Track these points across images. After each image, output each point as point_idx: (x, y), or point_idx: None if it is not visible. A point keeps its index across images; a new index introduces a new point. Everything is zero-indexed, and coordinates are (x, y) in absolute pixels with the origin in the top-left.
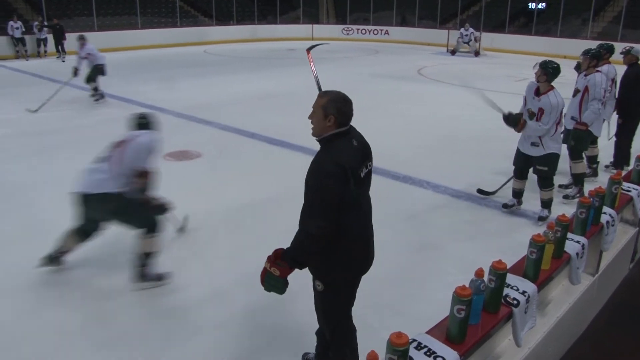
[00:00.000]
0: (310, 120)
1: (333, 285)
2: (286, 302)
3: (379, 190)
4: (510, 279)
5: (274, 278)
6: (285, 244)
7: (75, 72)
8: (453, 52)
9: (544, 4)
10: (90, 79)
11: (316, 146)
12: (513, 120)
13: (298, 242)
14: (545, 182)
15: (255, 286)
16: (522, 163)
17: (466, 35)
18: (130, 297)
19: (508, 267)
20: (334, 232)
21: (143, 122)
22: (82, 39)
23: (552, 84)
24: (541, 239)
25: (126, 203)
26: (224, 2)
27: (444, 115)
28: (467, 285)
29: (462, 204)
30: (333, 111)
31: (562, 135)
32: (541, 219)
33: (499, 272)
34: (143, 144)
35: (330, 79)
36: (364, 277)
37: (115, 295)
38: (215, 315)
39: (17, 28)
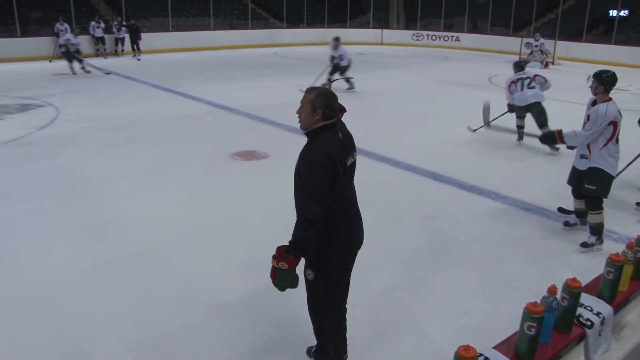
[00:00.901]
0: (298, 115)
1: (323, 272)
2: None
3: (445, 199)
4: (585, 298)
5: (284, 273)
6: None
7: (342, 70)
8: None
9: (626, 11)
10: (342, 73)
11: (388, 150)
12: (548, 136)
13: (298, 231)
14: (593, 203)
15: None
16: (576, 179)
17: (536, 46)
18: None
19: (582, 285)
20: (327, 217)
21: None
22: (337, 40)
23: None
24: (619, 258)
25: None
26: (295, 5)
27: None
28: (538, 302)
29: (531, 217)
30: (321, 105)
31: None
32: (584, 245)
33: (573, 291)
34: None
35: (399, 84)
36: (429, 286)
37: None
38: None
39: (98, 28)
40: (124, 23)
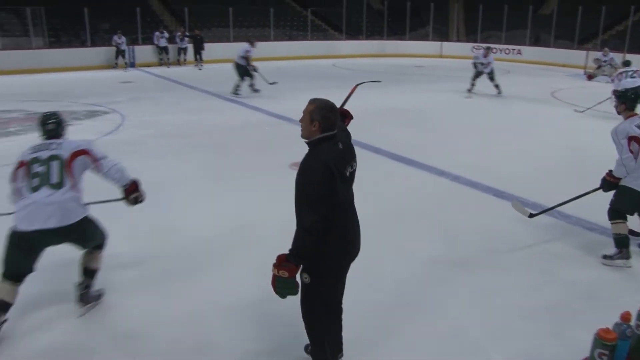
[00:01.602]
0: (300, 124)
1: (319, 276)
2: None
3: (505, 215)
4: None
5: (284, 280)
6: (402, 261)
7: (490, 77)
8: (590, 77)
9: None
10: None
11: (447, 164)
12: (606, 184)
13: (297, 239)
14: (609, 213)
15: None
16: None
17: (604, 60)
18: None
19: None
20: (324, 225)
21: (53, 128)
22: (488, 49)
23: None
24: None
25: (91, 222)
26: (354, 16)
27: (579, 142)
28: (610, 329)
29: (596, 237)
30: (318, 117)
31: None
32: (605, 257)
33: None
34: (90, 151)
35: (458, 98)
36: (487, 304)
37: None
38: None
39: (162, 38)
40: (187, 33)
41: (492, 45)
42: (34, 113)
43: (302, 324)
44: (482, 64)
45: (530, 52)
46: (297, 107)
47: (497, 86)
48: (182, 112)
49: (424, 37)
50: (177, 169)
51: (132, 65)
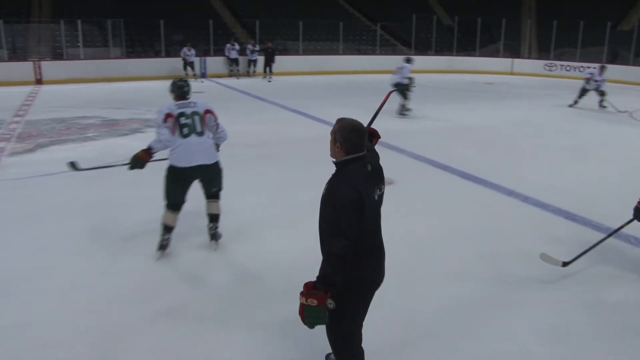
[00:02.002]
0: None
1: (344, 302)
2: None
3: (577, 241)
4: None
5: (313, 309)
6: (464, 283)
7: (601, 93)
8: None
9: None
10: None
11: (517, 184)
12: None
13: (326, 265)
14: None
15: None
16: None
17: None
18: None
19: None
20: (353, 250)
21: (188, 90)
22: (603, 68)
23: None
24: None
25: (220, 166)
26: (423, 32)
27: None
28: None
29: None
30: (340, 138)
31: None
32: None
33: None
34: (213, 112)
35: (529, 116)
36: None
37: None
38: None
39: (233, 50)
40: (257, 47)
41: (558, 62)
42: (110, 120)
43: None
44: (595, 81)
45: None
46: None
47: (601, 102)
48: (251, 122)
49: (495, 54)
50: (244, 179)
51: (204, 75)
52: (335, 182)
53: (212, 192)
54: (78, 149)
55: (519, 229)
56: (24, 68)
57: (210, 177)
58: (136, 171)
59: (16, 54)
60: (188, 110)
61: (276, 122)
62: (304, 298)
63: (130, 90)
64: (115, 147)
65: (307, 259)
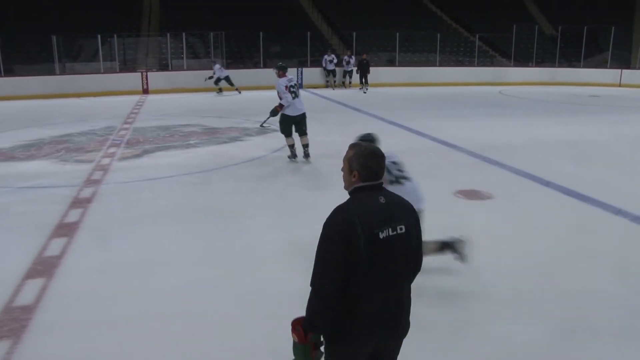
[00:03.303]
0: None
1: (332, 350)
2: None
3: None
4: None
5: (295, 346)
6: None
7: None
8: None
9: None
10: None
11: (627, 203)
12: None
13: (309, 302)
14: None
15: None
16: None
17: None
18: None
19: None
20: (342, 293)
21: (286, 68)
22: None
23: None
24: None
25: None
26: (523, 42)
27: None
28: None
29: None
30: (357, 166)
31: None
32: None
33: None
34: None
35: (638, 131)
36: None
37: None
38: None
39: (330, 61)
40: (353, 57)
41: None
42: (211, 128)
43: None
44: None
45: None
46: (462, 134)
47: None
48: (348, 133)
49: (601, 65)
50: (337, 189)
51: (300, 86)
52: (334, 211)
53: (303, 130)
54: (181, 155)
55: (628, 251)
56: (133, 79)
57: (302, 122)
58: (233, 181)
59: (126, 66)
60: (293, 82)
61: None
62: (291, 331)
63: (230, 100)
64: (216, 154)
65: None
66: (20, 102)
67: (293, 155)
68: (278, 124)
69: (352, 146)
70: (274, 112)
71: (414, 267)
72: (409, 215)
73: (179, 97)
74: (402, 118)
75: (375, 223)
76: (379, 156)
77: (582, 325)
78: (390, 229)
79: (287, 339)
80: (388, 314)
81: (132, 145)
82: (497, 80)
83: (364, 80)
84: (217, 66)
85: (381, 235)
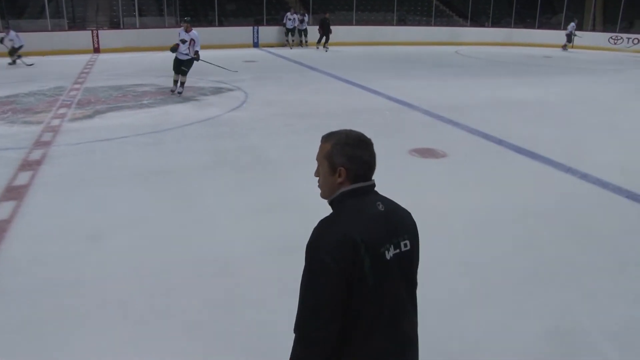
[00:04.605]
0: (317, 180)
1: None
2: None
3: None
4: None
5: None
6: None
7: None
8: None
9: None
10: None
11: (576, 162)
12: None
13: (294, 346)
14: None
15: None
16: None
17: None
18: None
19: None
20: (339, 335)
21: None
22: None
23: None
24: None
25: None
26: (480, 3)
27: None
28: None
29: None
30: (342, 160)
31: None
32: None
33: None
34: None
35: (591, 92)
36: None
37: None
38: None
39: (290, 19)
40: (307, 15)
41: (625, 35)
42: (164, 87)
43: None
44: None
45: None
46: (418, 94)
47: None
48: (304, 93)
49: (555, 26)
50: (298, 149)
51: (256, 45)
52: (323, 227)
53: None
54: (134, 115)
55: (578, 209)
56: (83, 37)
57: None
58: (187, 141)
59: (75, 24)
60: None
61: (330, 93)
62: None
63: None
64: (170, 114)
65: None
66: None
67: (171, 90)
68: (189, 67)
69: (327, 137)
70: (173, 49)
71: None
72: (412, 227)
73: (132, 56)
74: (359, 77)
75: (380, 239)
76: (368, 143)
77: (531, 277)
78: (394, 246)
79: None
80: (397, 354)
81: (83, 106)
82: (453, 40)
83: (324, 39)
84: (13, 33)
85: (388, 255)
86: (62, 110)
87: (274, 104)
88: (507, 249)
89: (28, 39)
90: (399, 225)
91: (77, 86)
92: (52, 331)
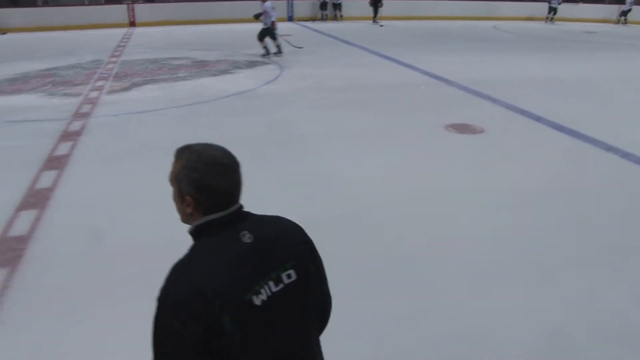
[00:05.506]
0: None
1: None
2: None
3: None
4: None
5: None
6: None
7: None
8: None
9: None
10: None
11: (618, 140)
12: None
13: None
14: None
15: None
16: None
17: None
18: None
19: None
20: None
21: None
22: None
23: None
24: None
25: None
26: None
27: None
28: None
29: None
30: (189, 188)
31: None
32: None
33: None
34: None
35: (634, 70)
36: None
37: None
38: None
39: None
40: None
41: None
42: (200, 61)
43: None
44: None
45: None
46: (455, 69)
47: None
48: (338, 67)
49: (599, 1)
50: (331, 123)
51: (290, 19)
52: (172, 275)
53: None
54: (170, 88)
55: (619, 187)
56: (119, 11)
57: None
58: (221, 114)
59: None
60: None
61: (365, 67)
62: None
63: (218, 33)
64: (205, 87)
65: (397, 193)
66: (2, 35)
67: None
68: (262, 35)
69: (179, 153)
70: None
71: (321, 316)
72: (297, 247)
73: (167, 30)
74: (394, 52)
75: (243, 283)
76: (227, 166)
77: (569, 253)
78: (270, 284)
79: None
80: None
81: (120, 79)
82: (491, 15)
83: (376, 13)
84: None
85: (257, 301)
86: (99, 83)
87: (308, 78)
88: (549, 227)
89: (65, 13)
90: (277, 254)
91: (113, 59)
92: (87, 298)
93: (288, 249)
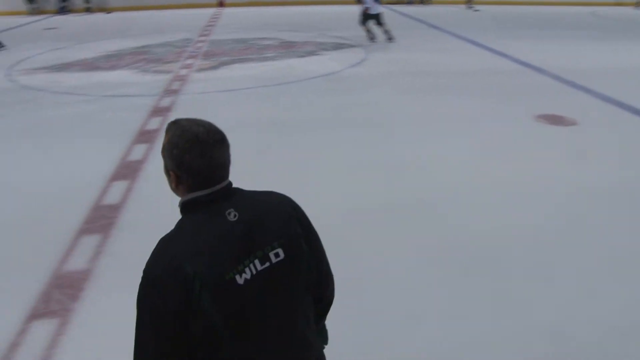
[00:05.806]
0: None
1: None
2: None
3: None
4: None
5: None
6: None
7: None
8: None
9: None
10: None
11: None
12: None
13: None
14: None
15: None
16: None
17: None
18: None
19: None
20: None
21: None
22: None
23: None
24: None
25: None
26: None
27: None
28: None
29: None
30: (171, 164)
31: None
32: None
33: None
34: None
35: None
36: None
37: None
38: None
39: None
40: None
41: None
42: (287, 42)
43: None
44: None
45: None
46: (546, 57)
47: None
48: (425, 51)
49: None
50: (416, 107)
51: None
52: (158, 248)
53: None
54: (258, 67)
55: None
56: None
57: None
58: (307, 95)
59: None
60: None
61: (453, 52)
62: None
63: (306, 14)
64: (292, 67)
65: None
66: (100, 15)
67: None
68: (361, 21)
69: (168, 126)
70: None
71: (318, 295)
72: (287, 224)
73: (255, 11)
74: (483, 37)
75: (225, 263)
76: (207, 144)
77: None
78: (256, 262)
79: None
80: None
81: (209, 57)
82: (589, 1)
83: None
84: None
85: (240, 280)
86: (189, 61)
87: (393, 62)
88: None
89: None
90: (265, 232)
91: (202, 38)
92: None
93: (277, 227)
